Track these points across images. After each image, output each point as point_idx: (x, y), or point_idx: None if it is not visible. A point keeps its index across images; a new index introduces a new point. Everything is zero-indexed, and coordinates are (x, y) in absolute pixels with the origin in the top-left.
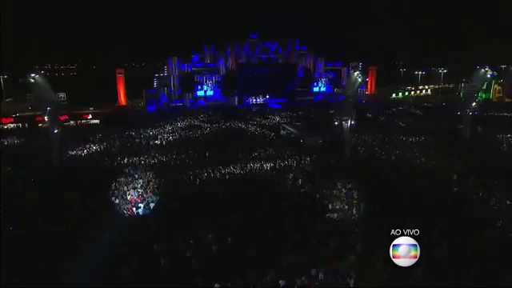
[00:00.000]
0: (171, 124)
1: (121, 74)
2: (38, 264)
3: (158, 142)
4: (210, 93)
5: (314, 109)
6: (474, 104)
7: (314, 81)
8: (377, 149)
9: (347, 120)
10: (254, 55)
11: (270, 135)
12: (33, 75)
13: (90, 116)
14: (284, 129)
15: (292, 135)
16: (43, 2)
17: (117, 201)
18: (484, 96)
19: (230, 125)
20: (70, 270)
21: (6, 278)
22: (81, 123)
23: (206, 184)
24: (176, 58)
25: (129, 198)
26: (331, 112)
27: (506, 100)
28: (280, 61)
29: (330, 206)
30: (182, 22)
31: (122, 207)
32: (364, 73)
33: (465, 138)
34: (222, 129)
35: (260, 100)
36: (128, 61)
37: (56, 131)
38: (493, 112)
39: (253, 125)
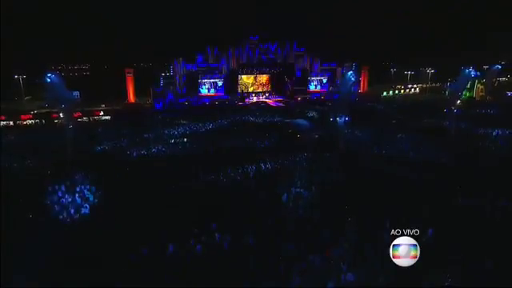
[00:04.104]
0: (176, 120)
1: (130, 73)
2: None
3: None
4: (212, 91)
5: (311, 106)
6: (458, 102)
7: (310, 80)
8: (369, 144)
9: (342, 116)
10: (254, 56)
11: (268, 131)
12: (49, 75)
13: (102, 113)
14: (282, 124)
15: (290, 130)
16: (59, 6)
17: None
18: (468, 95)
19: (232, 121)
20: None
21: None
22: (93, 119)
23: (209, 177)
24: (181, 58)
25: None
26: (327, 109)
27: (488, 98)
28: (279, 61)
29: (324, 198)
30: (187, 25)
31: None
32: (357, 72)
33: (450, 133)
34: (223, 125)
35: (260, 98)
36: (136, 61)
37: (70, 127)
38: (475, 110)
39: (253, 122)
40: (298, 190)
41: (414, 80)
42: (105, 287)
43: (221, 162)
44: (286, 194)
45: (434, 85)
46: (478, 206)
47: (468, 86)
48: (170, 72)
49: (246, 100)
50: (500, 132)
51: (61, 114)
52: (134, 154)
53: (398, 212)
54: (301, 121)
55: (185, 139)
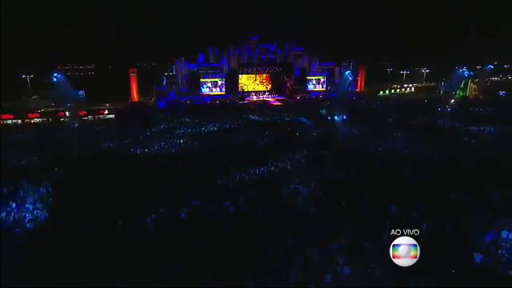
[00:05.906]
0: (178, 119)
1: (133, 73)
2: None
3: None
4: (214, 90)
5: (309, 105)
6: (452, 101)
7: (309, 79)
8: (366, 141)
9: (339, 115)
10: (254, 55)
11: (268, 129)
12: (55, 74)
13: (106, 111)
14: (282, 123)
15: (289, 129)
16: (66, 7)
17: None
18: (461, 94)
19: (232, 120)
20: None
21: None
22: (98, 118)
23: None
24: (183, 58)
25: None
26: (325, 107)
27: (481, 97)
28: (278, 61)
29: (323, 194)
30: (188, 25)
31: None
32: (354, 72)
33: (444, 131)
34: (224, 123)
35: (260, 97)
36: (140, 61)
37: (76, 125)
38: (468, 108)
39: (253, 120)
40: (296, 186)
41: (410, 79)
42: (105, 287)
43: (222, 160)
44: (285, 191)
45: (429, 84)
46: (471, 202)
47: (461, 85)
48: (172, 71)
49: (247, 99)
50: (492, 129)
51: (67, 113)
52: (138, 151)
53: (393, 207)
54: (301, 119)
55: (187, 137)
